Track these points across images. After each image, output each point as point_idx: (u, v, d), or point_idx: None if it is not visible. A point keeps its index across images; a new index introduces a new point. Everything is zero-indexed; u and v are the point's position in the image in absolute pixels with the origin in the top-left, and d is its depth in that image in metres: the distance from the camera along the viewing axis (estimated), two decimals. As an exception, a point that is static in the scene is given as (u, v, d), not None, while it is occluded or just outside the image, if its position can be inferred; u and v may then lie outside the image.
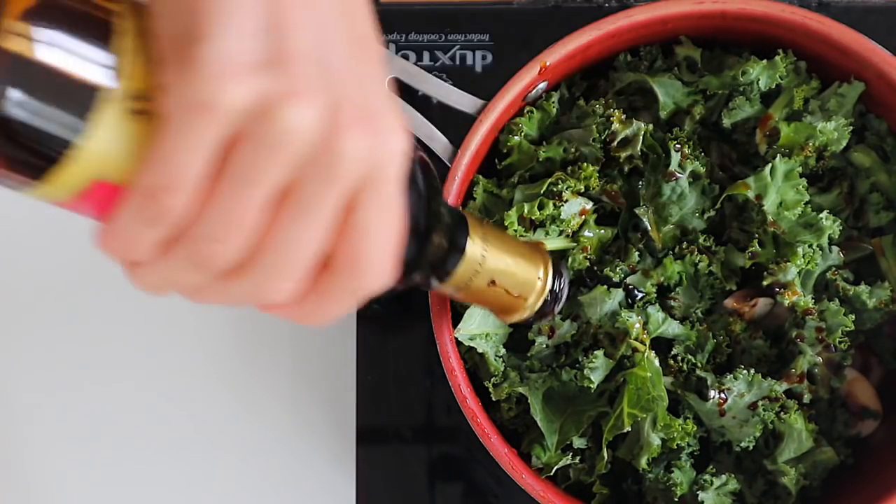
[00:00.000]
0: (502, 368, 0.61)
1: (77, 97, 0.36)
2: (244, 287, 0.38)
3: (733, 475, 0.61)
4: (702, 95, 0.64)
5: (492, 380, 0.61)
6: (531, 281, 0.51)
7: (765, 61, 0.63)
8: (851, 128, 0.63)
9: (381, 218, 0.39)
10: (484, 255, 0.49)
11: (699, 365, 0.62)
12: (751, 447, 0.61)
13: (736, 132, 0.64)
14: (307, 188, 0.37)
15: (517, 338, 0.63)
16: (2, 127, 0.35)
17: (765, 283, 0.61)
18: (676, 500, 0.61)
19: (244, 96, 0.35)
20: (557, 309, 0.53)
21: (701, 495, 0.61)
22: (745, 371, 0.60)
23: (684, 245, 0.63)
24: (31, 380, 0.72)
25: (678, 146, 0.62)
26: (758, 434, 0.60)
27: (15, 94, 0.35)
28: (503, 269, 0.50)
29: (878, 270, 0.64)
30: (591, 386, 0.60)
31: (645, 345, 0.60)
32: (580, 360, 0.61)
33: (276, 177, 0.36)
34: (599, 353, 0.60)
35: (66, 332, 0.73)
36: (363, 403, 0.69)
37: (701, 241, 0.63)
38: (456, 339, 0.60)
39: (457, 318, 0.61)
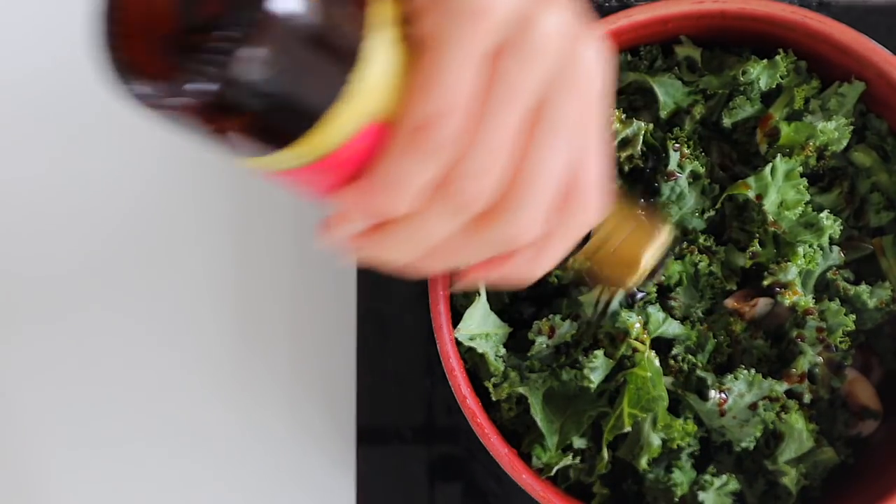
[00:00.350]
0: (502, 368, 0.61)
1: (348, 28, 0.33)
2: (495, 229, 0.35)
3: (734, 475, 0.61)
4: (702, 95, 0.64)
5: (492, 380, 0.61)
6: (640, 252, 0.51)
7: (765, 61, 0.63)
8: (852, 127, 0.63)
9: (601, 140, 0.37)
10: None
11: (699, 365, 0.62)
12: (751, 447, 0.61)
13: (736, 132, 0.64)
14: (557, 102, 0.34)
15: (517, 338, 0.63)
16: (270, 77, 0.31)
17: (765, 283, 0.61)
18: (677, 500, 0.61)
19: (510, 0, 0.33)
20: (659, 275, 0.54)
21: (701, 495, 0.61)
22: (745, 371, 0.60)
23: (685, 245, 0.63)
24: (29, 379, 0.72)
25: (677, 146, 0.62)
26: (758, 434, 0.60)
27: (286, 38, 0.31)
28: (625, 235, 0.50)
29: (879, 270, 0.64)
30: (592, 386, 0.60)
31: (645, 345, 0.60)
32: (580, 360, 0.61)
33: (535, 91, 0.34)
34: (599, 352, 0.60)
35: (64, 332, 0.73)
36: (363, 403, 0.69)
37: (701, 240, 0.63)
38: (456, 339, 0.60)
39: (457, 318, 0.61)
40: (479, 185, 0.34)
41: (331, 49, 0.33)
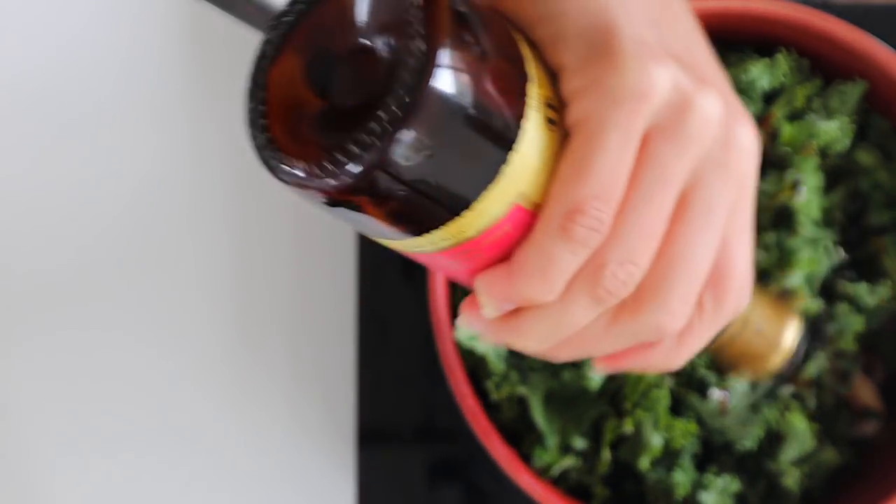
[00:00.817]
0: (503, 368, 0.61)
1: (505, 111, 0.31)
2: (640, 321, 0.34)
3: (736, 476, 0.61)
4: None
5: (492, 380, 0.61)
6: (780, 338, 0.51)
7: (766, 60, 0.63)
8: (854, 127, 0.63)
9: (749, 224, 0.35)
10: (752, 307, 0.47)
11: (701, 364, 0.62)
12: (753, 447, 0.61)
13: (738, 131, 0.64)
14: (710, 186, 0.33)
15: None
16: (420, 161, 0.30)
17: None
18: (678, 500, 0.61)
19: (670, 81, 0.32)
20: (794, 371, 0.53)
21: (703, 496, 0.60)
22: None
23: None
24: (26, 379, 0.72)
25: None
26: (760, 434, 0.60)
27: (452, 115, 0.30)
28: (761, 322, 0.49)
29: (881, 269, 0.63)
30: (592, 386, 0.60)
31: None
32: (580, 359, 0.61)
33: (687, 175, 0.33)
34: (600, 352, 0.60)
35: (62, 332, 0.73)
36: (363, 403, 0.69)
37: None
38: (456, 339, 0.60)
39: (457, 317, 0.61)
40: (626, 272, 0.33)
41: (486, 133, 0.31)
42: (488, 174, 0.32)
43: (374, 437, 0.69)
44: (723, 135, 0.33)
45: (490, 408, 0.62)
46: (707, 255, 0.34)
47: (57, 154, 0.73)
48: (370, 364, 0.69)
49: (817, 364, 0.61)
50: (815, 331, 0.62)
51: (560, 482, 0.62)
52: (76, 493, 0.72)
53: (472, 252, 0.34)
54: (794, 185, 0.61)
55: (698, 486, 0.61)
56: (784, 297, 0.54)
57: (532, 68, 0.33)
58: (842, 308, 0.61)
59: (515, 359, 0.62)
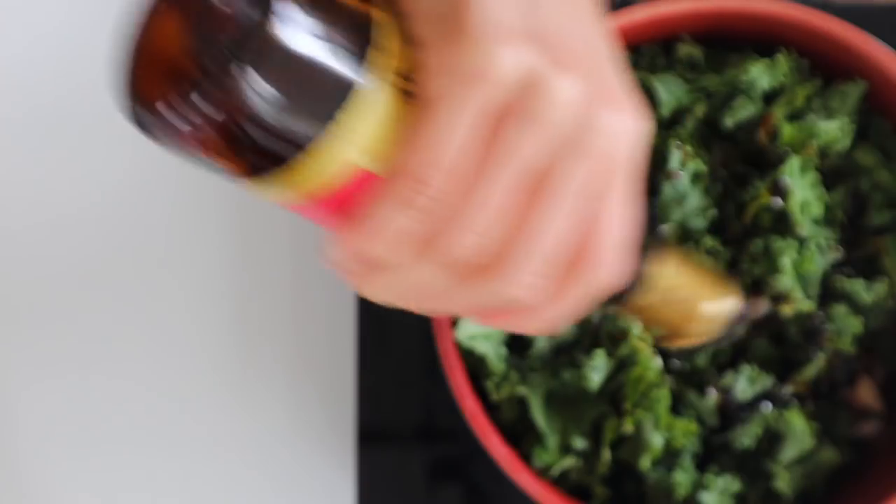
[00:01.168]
0: (503, 368, 0.61)
1: (345, 68, 0.34)
2: (488, 287, 0.36)
3: (736, 476, 0.61)
4: (703, 93, 0.64)
5: (492, 380, 0.61)
6: (706, 309, 0.51)
7: (766, 60, 0.63)
8: (854, 127, 0.63)
9: (623, 205, 0.37)
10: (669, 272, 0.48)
11: (701, 365, 0.62)
12: (752, 446, 0.61)
13: (738, 131, 0.64)
14: (562, 167, 0.35)
15: (518, 338, 0.63)
16: (258, 102, 0.33)
17: (765, 297, 0.61)
18: (679, 501, 0.61)
19: (518, 64, 0.33)
20: (725, 341, 0.54)
21: (703, 496, 0.60)
22: (746, 366, 0.60)
23: (690, 244, 0.62)
24: (28, 380, 0.72)
25: (679, 144, 0.62)
26: (758, 432, 0.60)
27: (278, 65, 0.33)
28: (686, 292, 0.50)
29: (881, 269, 0.63)
30: (592, 386, 0.60)
31: (646, 344, 0.60)
32: (581, 359, 0.60)
33: (538, 155, 0.34)
34: (600, 352, 0.60)
35: (62, 330, 0.73)
36: (363, 403, 0.69)
37: (707, 240, 0.62)
38: (456, 339, 0.60)
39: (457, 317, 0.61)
40: (467, 241, 0.35)
41: (323, 83, 0.34)
42: (316, 127, 0.34)
43: (374, 437, 0.69)
44: (583, 119, 0.34)
45: (490, 408, 0.62)
46: (557, 233, 0.35)
47: (57, 155, 0.73)
48: (370, 364, 0.69)
49: (816, 365, 0.61)
50: (810, 332, 0.62)
51: (560, 482, 0.62)
52: (76, 492, 0.72)
53: (326, 208, 0.37)
54: (776, 186, 0.61)
55: (699, 486, 0.61)
56: (723, 277, 0.54)
57: (384, 38, 0.35)
58: (840, 309, 0.61)
59: (516, 359, 0.62)
